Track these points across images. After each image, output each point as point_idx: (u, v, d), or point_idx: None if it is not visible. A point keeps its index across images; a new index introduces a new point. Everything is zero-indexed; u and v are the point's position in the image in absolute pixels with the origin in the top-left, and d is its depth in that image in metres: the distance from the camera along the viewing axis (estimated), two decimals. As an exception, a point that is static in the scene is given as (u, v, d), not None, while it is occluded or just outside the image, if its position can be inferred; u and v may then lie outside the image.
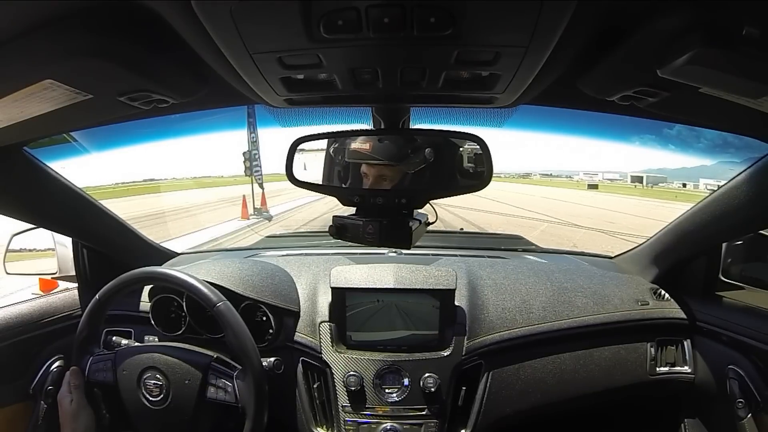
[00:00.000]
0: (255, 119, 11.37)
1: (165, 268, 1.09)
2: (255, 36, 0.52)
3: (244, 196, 11.69)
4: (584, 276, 1.41)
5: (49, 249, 1.46)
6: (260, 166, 12.29)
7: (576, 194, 23.60)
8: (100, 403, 1.07)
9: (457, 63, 0.59)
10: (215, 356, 1.04)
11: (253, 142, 11.91)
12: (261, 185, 12.38)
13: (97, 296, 1.08)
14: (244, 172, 12.26)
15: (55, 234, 1.43)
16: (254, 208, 11.71)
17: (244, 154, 12.06)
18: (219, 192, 18.41)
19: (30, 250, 1.56)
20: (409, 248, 0.84)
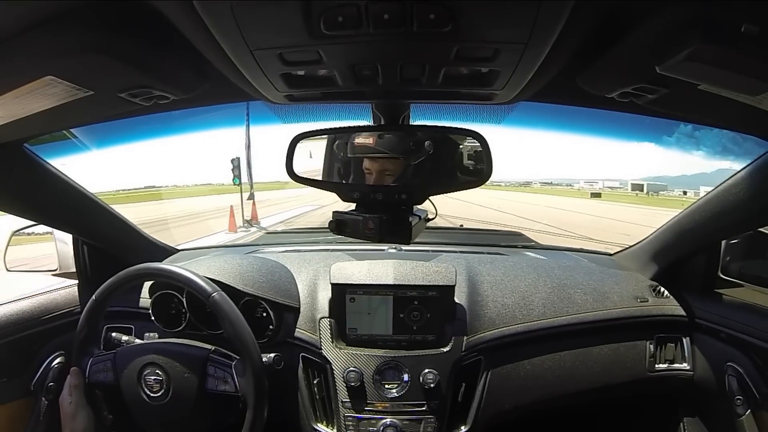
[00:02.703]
0: (249, 121, 10.59)
1: (159, 263, 1.09)
2: (256, 32, 0.52)
3: (231, 206, 10.71)
4: (583, 273, 1.41)
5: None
6: (251, 175, 11.41)
7: (581, 203, 22.98)
8: (101, 404, 1.06)
9: (456, 59, 0.59)
10: (213, 348, 1.04)
11: (247, 147, 11.19)
12: (251, 195, 11.47)
13: (93, 296, 1.08)
14: (232, 180, 11.35)
15: (56, 231, 1.43)
16: (244, 219, 10.69)
17: (232, 161, 11.26)
18: (217, 200, 18.04)
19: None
20: (408, 244, 0.84)
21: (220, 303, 1.01)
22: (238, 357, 1.02)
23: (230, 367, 1.01)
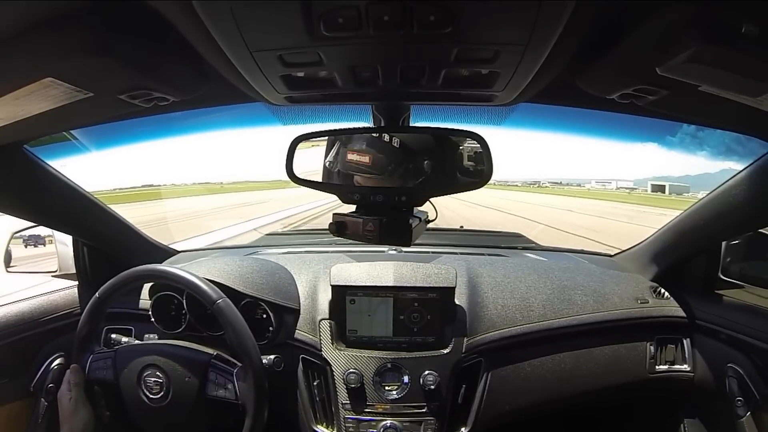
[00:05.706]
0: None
1: (164, 266, 1.09)
2: (256, 34, 0.52)
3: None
4: (584, 274, 1.41)
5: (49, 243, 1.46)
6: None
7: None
8: (100, 401, 1.06)
9: (456, 61, 0.59)
10: (215, 353, 1.04)
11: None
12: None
13: (97, 294, 1.08)
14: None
15: (56, 232, 1.43)
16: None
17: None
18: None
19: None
20: (409, 246, 0.84)
21: (225, 310, 1.01)
22: (239, 364, 1.02)
23: (231, 374, 1.01)
